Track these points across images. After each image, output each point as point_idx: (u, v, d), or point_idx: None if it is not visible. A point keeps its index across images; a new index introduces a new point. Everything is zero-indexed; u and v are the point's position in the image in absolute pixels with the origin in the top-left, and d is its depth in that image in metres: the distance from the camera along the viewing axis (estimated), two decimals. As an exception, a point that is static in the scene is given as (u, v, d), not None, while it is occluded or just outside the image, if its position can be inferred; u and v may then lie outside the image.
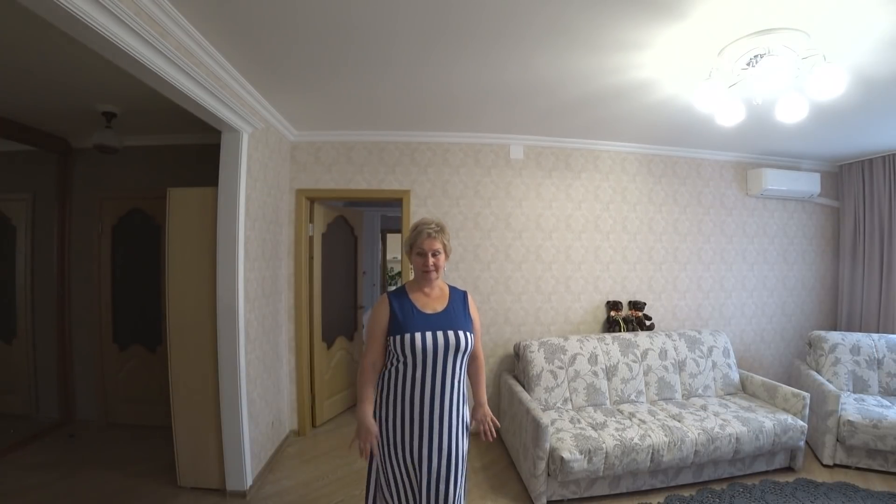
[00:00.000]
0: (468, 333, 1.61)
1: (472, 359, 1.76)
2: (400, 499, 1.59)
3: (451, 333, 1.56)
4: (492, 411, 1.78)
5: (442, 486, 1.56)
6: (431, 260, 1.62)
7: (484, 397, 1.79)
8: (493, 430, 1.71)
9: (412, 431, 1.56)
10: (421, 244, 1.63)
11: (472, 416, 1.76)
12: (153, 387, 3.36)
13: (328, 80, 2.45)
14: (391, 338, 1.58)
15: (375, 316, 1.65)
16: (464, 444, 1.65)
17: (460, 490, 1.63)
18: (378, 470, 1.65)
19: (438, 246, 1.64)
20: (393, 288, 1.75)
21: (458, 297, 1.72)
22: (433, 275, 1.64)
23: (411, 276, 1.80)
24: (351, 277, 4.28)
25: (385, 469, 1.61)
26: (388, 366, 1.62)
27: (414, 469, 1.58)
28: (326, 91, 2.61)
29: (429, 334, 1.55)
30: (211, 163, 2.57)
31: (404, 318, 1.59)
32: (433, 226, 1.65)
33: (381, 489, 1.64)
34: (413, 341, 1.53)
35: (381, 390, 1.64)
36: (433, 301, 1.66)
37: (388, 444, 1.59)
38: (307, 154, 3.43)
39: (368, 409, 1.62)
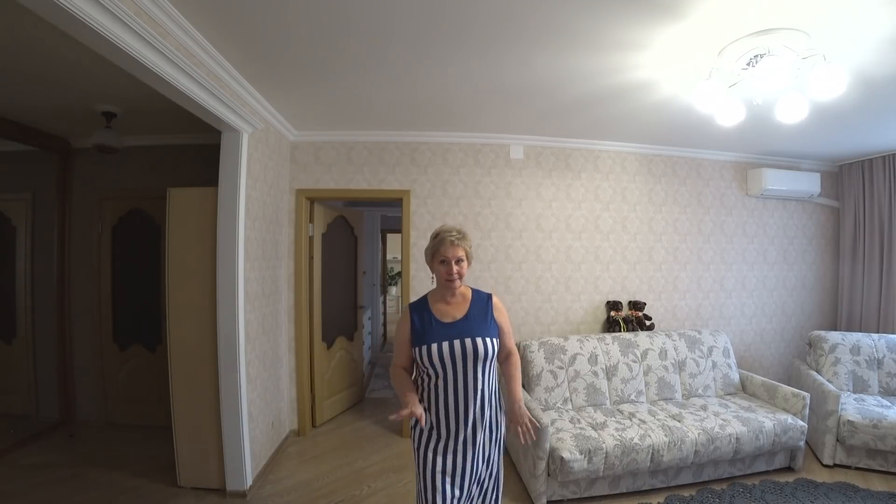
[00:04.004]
0: (489, 339, 1.57)
1: (506, 359, 1.74)
2: None
3: (468, 341, 1.54)
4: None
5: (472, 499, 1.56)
6: (455, 268, 1.59)
7: (518, 394, 1.69)
8: (532, 430, 1.63)
9: (445, 442, 1.56)
10: (444, 252, 1.60)
11: (507, 416, 1.68)
12: (153, 387, 3.37)
13: (327, 80, 2.45)
14: (414, 349, 1.58)
15: (399, 330, 1.66)
16: (495, 455, 1.62)
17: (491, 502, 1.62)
18: (421, 482, 1.61)
19: (461, 253, 1.60)
20: (415, 300, 1.74)
21: (481, 301, 1.68)
22: (456, 283, 1.61)
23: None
24: (351, 277, 4.28)
25: (424, 479, 1.58)
26: (420, 380, 1.63)
27: (449, 479, 1.56)
28: (325, 91, 2.61)
29: (445, 344, 1.53)
30: (211, 163, 2.57)
31: (423, 329, 1.58)
32: (455, 233, 1.61)
33: (422, 498, 1.61)
34: (430, 352, 1.53)
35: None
36: (452, 309, 1.64)
37: (423, 455, 1.59)
38: (307, 154, 3.43)
39: (409, 392, 1.57)
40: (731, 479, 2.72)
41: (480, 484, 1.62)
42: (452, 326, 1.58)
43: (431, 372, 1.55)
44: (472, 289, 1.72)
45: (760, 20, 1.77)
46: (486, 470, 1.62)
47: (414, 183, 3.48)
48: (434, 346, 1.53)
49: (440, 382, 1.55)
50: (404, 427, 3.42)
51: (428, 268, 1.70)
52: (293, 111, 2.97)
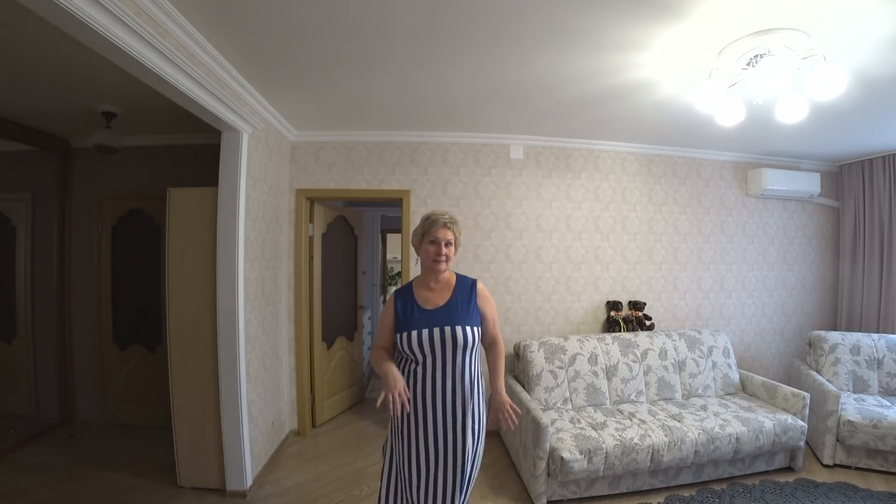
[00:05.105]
0: (469, 328, 1.57)
1: (491, 346, 1.74)
2: (408, 496, 1.58)
3: (447, 329, 1.54)
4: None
5: (447, 488, 1.55)
6: (444, 250, 1.61)
7: (500, 385, 1.67)
8: (514, 417, 1.57)
9: (423, 429, 1.56)
10: (435, 232, 1.62)
11: (488, 404, 1.65)
12: (153, 387, 3.37)
13: (327, 80, 2.45)
14: (396, 336, 1.60)
15: (383, 315, 1.68)
16: (473, 445, 1.58)
17: (466, 492, 1.60)
18: (391, 465, 1.64)
19: (451, 236, 1.63)
20: (401, 286, 1.77)
21: (465, 287, 1.67)
22: (442, 265, 1.62)
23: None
24: (351, 277, 4.28)
25: (397, 465, 1.60)
26: (400, 363, 1.63)
27: (423, 467, 1.56)
28: (326, 91, 2.61)
29: (425, 331, 1.54)
30: (211, 163, 2.57)
31: (405, 316, 1.60)
32: (447, 216, 1.64)
33: (393, 484, 1.62)
34: (410, 339, 1.54)
35: None
36: (435, 296, 1.64)
37: (402, 441, 1.59)
38: (307, 154, 3.43)
39: (390, 364, 1.56)
40: (731, 479, 2.72)
41: (453, 472, 1.56)
42: (433, 314, 1.59)
43: (413, 359, 1.56)
44: (456, 274, 1.72)
45: (760, 20, 1.77)
46: (452, 459, 1.55)
47: (414, 183, 3.47)
48: (414, 333, 1.54)
49: (419, 369, 1.56)
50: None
51: (416, 254, 1.71)
52: (293, 111, 2.97)
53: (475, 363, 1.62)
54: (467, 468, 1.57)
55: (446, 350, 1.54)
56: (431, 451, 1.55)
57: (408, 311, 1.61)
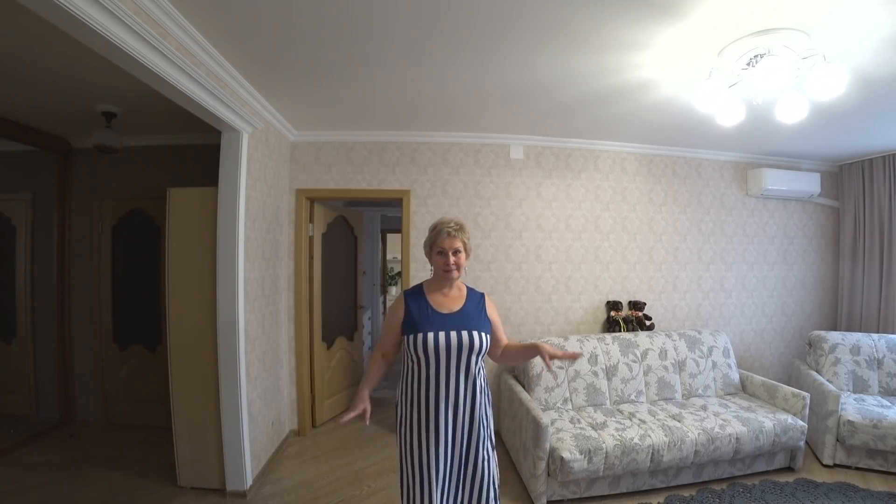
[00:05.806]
0: (483, 334, 1.60)
1: (503, 349, 1.78)
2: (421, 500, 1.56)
3: (465, 333, 1.55)
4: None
5: (458, 493, 1.56)
6: (452, 259, 1.62)
7: (531, 341, 1.73)
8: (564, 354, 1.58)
9: (428, 433, 1.55)
10: (441, 243, 1.62)
11: (542, 355, 1.58)
12: (153, 387, 3.36)
13: (327, 80, 2.45)
14: (405, 337, 1.59)
15: (391, 313, 1.68)
16: (485, 449, 1.60)
17: (484, 496, 1.59)
18: (403, 472, 1.62)
19: (459, 245, 1.64)
20: (410, 288, 1.77)
21: (475, 298, 1.71)
22: (454, 274, 1.63)
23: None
24: (351, 277, 4.28)
25: (407, 471, 1.59)
26: (406, 367, 1.64)
27: (432, 471, 1.55)
28: (326, 91, 2.61)
29: (442, 334, 1.54)
30: (211, 163, 2.57)
31: (419, 317, 1.59)
32: (452, 224, 1.64)
33: (406, 490, 1.61)
34: (426, 341, 1.53)
35: (400, 393, 1.65)
36: (450, 301, 1.65)
37: (407, 446, 1.59)
38: (307, 154, 3.43)
39: (367, 386, 1.68)
40: (731, 479, 2.72)
41: (470, 484, 1.59)
42: (449, 317, 1.60)
43: (423, 361, 1.56)
44: (466, 286, 1.75)
45: (760, 20, 1.77)
46: (461, 464, 1.59)
47: (414, 183, 3.47)
48: (430, 335, 1.54)
49: (424, 371, 1.56)
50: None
51: (427, 261, 1.73)
52: (293, 111, 2.97)
53: (483, 369, 1.65)
54: (480, 474, 1.58)
55: (462, 353, 1.55)
56: (434, 454, 1.54)
57: (422, 312, 1.60)
